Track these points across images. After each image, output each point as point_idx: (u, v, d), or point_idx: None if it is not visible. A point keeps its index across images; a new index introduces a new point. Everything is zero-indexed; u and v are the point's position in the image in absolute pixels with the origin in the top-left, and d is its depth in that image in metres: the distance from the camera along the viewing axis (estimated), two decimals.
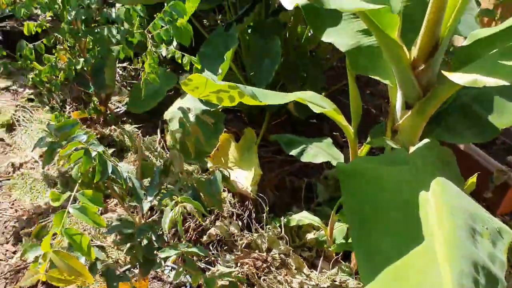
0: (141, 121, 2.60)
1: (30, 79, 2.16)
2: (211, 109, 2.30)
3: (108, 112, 2.53)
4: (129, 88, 2.89)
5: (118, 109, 2.70)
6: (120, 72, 2.96)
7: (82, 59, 2.15)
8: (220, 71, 2.11)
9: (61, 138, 1.21)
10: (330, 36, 1.54)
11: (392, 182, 1.19)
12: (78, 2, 1.85)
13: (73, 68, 2.17)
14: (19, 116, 2.53)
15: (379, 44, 1.49)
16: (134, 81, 2.95)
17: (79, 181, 1.16)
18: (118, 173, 1.17)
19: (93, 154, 1.13)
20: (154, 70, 1.85)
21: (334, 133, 2.87)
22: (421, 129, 1.50)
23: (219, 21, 3.14)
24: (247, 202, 2.04)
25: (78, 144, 1.09)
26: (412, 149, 1.47)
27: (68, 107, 2.63)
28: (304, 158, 1.98)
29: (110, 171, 1.14)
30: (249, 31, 2.58)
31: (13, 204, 2.06)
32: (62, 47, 2.24)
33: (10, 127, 2.48)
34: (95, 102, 2.37)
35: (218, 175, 1.12)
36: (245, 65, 2.53)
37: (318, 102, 1.68)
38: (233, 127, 2.62)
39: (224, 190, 2.09)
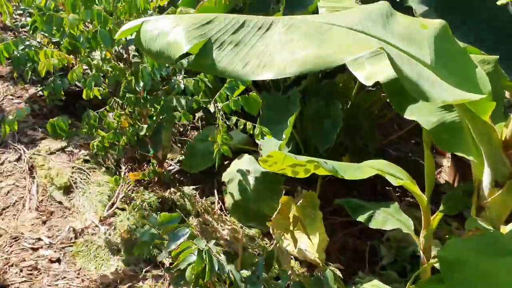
0: (196, 180, 2.61)
1: (95, 147, 2.19)
2: (271, 172, 2.31)
3: (163, 171, 2.55)
4: (179, 145, 2.92)
5: (171, 167, 2.72)
6: None
7: (145, 126, 2.18)
8: (283, 136, 2.12)
9: (163, 232, 1.22)
10: (412, 114, 1.54)
11: (502, 276, 1.16)
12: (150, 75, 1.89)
13: (135, 133, 2.21)
14: (76, 178, 2.56)
15: (462, 120, 1.49)
16: (183, 138, 2.98)
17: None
18: (223, 268, 1.16)
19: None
20: (226, 142, 1.87)
21: (387, 187, 2.86)
22: (511, 206, 1.47)
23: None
24: (315, 270, 2.00)
25: (190, 244, 1.09)
26: (503, 228, 1.45)
27: (123, 167, 2.66)
28: (373, 225, 1.96)
29: (216, 267, 1.14)
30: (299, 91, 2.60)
31: (78, 273, 2.06)
32: (123, 112, 2.28)
33: (67, 190, 2.50)
34: (154, 164, 2.39)
35: (330, 275, 1.10)
36: (299, 126, 2.54)
37: (395, 173, 1.68)
38: (287, 184, 2.61)
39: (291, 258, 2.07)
